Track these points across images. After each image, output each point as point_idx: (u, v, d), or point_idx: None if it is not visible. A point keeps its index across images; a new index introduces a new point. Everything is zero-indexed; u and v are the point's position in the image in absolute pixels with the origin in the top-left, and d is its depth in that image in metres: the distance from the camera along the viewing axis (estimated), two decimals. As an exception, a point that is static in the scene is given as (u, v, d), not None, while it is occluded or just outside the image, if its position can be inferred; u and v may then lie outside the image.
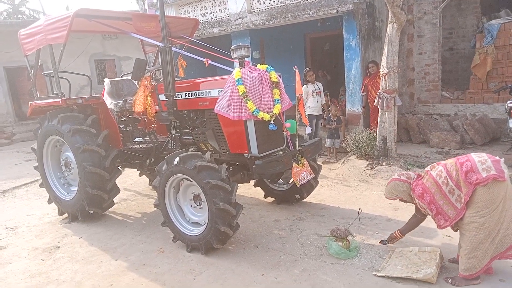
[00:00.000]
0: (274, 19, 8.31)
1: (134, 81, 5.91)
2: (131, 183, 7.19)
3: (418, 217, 3.52)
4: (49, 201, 5.64)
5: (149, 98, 4.95)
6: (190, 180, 3.99)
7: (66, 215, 5.47)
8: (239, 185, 4.18)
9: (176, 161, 3.96)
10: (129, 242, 4.55)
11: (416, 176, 3.45)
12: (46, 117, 5.23)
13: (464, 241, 3.10)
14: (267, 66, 4.28)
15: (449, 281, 3.16)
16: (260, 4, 8.69)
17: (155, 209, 4.48)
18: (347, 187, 6.00)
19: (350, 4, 7.21)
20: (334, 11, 7.41)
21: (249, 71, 4.03)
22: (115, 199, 5.42)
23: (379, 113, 6.47)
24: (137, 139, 5.62)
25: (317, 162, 5.24)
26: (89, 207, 5.04)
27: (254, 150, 4.14)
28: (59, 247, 4.59)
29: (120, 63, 16.03)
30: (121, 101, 5.70)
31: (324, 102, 7.62)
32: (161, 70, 4.59)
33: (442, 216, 3.17)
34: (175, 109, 4.65)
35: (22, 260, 4.33)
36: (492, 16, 8.31)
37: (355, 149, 6.87)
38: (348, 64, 7.83)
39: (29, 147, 6.34)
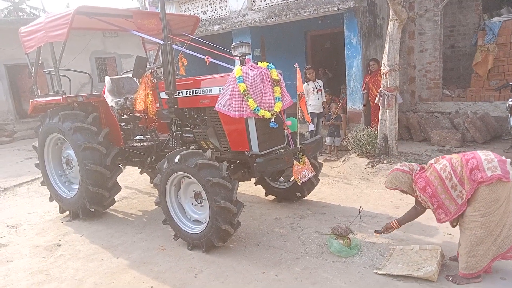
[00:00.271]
0: (275, 17, 8.29)
1: (135, 79, 5.91)
2: (132, 181, 7.19)
3: (418, 209, 3.47)
4: (50, 199, 5.65)
5: (150, 96, 4.96)
6: (191, 178, 3.99)
7: (67, 213, 5.48)
8: (240, 183, 4.18)
9: (177, 159, 3.96)
10: (130, 240, 4.56)
11: (419, 168, 3.38)
12: (47, 115, 5.23)
13: (464, 240, 3.09)
14: (268, 63, 4.26)
15: (450, 279, 3.16)
16: (261, 1, 8.67)
17: (156, 207, 4.48)
18: (348, 185, 6.00)
19: (351, 2, 7.19)
20: (335, 8, 7.39)
21: (250, 69, 4.03)
22: (116, 197, 5.42)
23: (380, 111, 6.47)
24: (138, 137, 5.62)
25: (318, 160, 5.24)
26: (90, 205, 5.04)
27: (255, 148, 4.14)
28: (60, 245, 4.60)
29: (121, 61, 16.01)
30: (122, 99, 5.70)
31: (324, 99, 7.62)
32: (161, 68, 4.59)
33: (443, 210, 3.14)
34: (176, 107, 4.65)
35: (24, 257, 4.34)
36: (493, 13, 8.27)
37: (356, 147, 6.87)
38: (349, 62, 7.81)
39: (30, 145, 6.34)
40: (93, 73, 15.09)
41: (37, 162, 5.65)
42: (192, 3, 9.99)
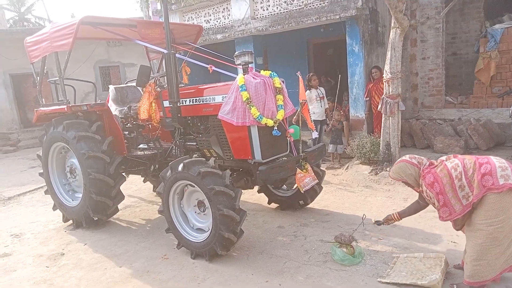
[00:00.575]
0: (278, 25, 8.35)
1: (139, 88, 5.95)
2: (136, 189, 7.20)
3: (421, 204, 3.41)
4: (54, 208, 5.66)
5: (153, 104, 4.99)
6: (194, 186, 4.00)
7: (70, 221, 5.49)
8: (243, 191, 4.18)
9: (180, 167, 3.97)
10: (133, 249, 4.55)
11: (428, 163, 3.28)
12: (51, 124, 5.26)
13: (471, 248, 3.04)
14: (270, 72, 4.29)
15: (455, 287, 3.14)
16: (264, 10, 8.74)
17: (159, 215, 4.49)
18: (351, 192, 5.99)
19: (353, 10, 7.23)
20: (337, 17, 7.44)
21: (253, 77, 4.05)
22: (120, 206, 5.43)
23: (383, 118, 6.47)
24: (141, 146, 5.64)
25: (321, 168, 5.23)
26: (94, 214, 5.05)
27: (258, 156, 4.15)
28: (63, 254, 4.61)
29: (125, 70, 16.12)
30: (125, 108, 5.73)
31: (327, 106, 7.64)
32: (165, 77, 4.62)
33: (448, 208, 3.07)
34: (179, 115, 4.67)
35: (27, 267, 4.34)
36: (495, 20, 8.30)
37: (358, 154, 6.86)
38: (351, 70, 7.84)
39: (34, 154, 6.38)
40: (97, 82, 15.19)
41: (41, 171, 5.68)
42: (195, 12, 10.09)
